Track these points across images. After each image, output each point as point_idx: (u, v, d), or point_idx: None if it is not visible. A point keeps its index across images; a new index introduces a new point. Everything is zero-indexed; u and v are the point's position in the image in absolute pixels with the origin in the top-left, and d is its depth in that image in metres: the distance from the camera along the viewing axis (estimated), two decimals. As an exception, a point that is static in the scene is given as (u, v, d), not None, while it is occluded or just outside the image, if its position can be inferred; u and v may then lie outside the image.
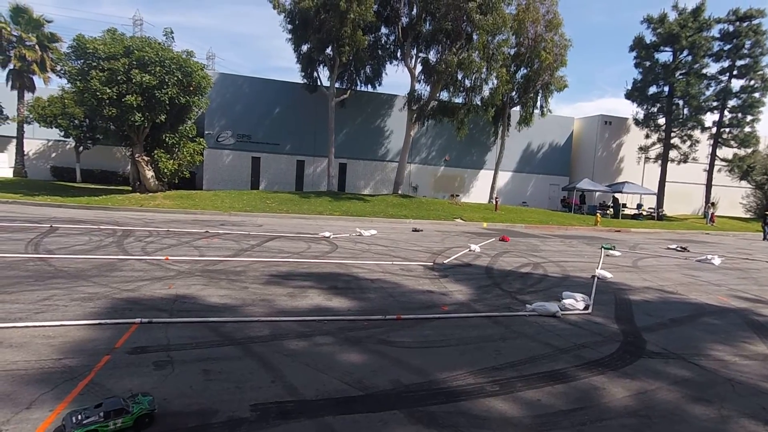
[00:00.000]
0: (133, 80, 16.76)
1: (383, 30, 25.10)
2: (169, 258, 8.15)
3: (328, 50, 23.09)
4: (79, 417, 2.80)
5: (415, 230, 16.06)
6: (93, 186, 24.49)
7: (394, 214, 19.54)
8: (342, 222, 17.17)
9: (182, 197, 19.34)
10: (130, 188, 21.09)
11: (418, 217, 19.52)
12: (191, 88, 18.73)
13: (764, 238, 22.88)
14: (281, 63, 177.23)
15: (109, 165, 28.40)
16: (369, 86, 26.96)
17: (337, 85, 24.95)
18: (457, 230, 17.12)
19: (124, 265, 7.46)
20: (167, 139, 19.51)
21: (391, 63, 26.35)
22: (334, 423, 3.12)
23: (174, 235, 11.07)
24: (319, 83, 25.66)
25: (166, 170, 19.61)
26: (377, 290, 6.88)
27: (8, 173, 26.36)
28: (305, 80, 25.50)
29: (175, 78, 17.82)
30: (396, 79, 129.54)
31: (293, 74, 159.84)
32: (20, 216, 12.75)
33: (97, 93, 16.47)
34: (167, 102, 17.87)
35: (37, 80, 26.08)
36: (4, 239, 9.07)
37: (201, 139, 21.59)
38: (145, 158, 19.25)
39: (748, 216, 36.31)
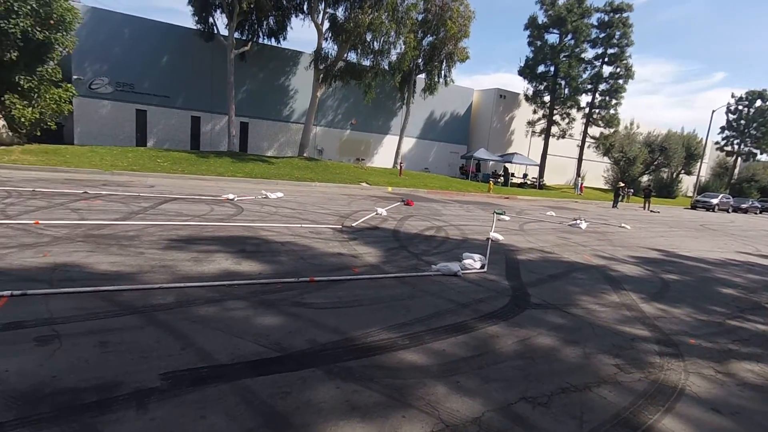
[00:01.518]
0: (-32, 5, 13.45)
1: (289, -22, 23.45)
2: (40, 222, 7.03)
3: (226, -6, 20.95)
4: None
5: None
6: None
7: (300, 177, 19.11)
8: (245, 184, 16.32)
9: (48, 152, 16.53)
10: (-27, 139, 17.34)
11: (324, 181, 19.36)
12: (51, 22, 15.63)
13: (613, 206, 27.20)
14: (166, 3, 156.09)
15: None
16: (272, 40, 25.28)
17: (236, 35, 22.91)
18: (363, 194, 17.41)
19: (-22, 230, 6.27)
20: (22, 82, 16.21)
21: (296, 16, 24.85)
22: (253, 385, 3.11)
23: (42, 196, 9.51)
24: (215, 31, 23.29)
25: (23, 119, 16.43)
26: (288, 253, 6.80)
27: None
28: (199, 26, 22.92)
29: (28, 7, 14.70)
30: (302, 34, 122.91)
31: (183, 18, 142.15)
32: None
33: None
34: (18, 36, 14.73)
35: None
36: None
37: (69, 85, 18.34)
38: (-7, 103, 15.89)
39: (607, 187, 42.75)
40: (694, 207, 37.06)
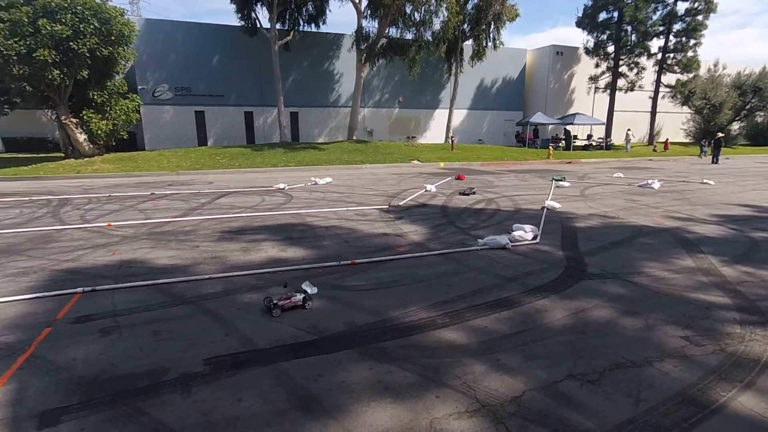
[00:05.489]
0: (43, 31, 14.84)
1: (324, -39, 23.24)
2: (112, 224, 7.73)
3: (265, -14, 21.22)
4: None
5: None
6: (20, 155, 22.36)
7: (350, 161, 19.27)
8: (297, 172, 16.78)
9: (123, 160, 18.10)
10: (62, 155, 19.40)
11: (374, 162, 19.36)
12: (112, 38, 16.83)
13: (713, 161, 24.04)
14: (215, 5, 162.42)
15: (36, 131, 25.76)
16: (313, 26, 25.34)
17: (278, 26, 23.23)
18: (414, 172, 17.18)
19: (62, 235, 7.01)
20: (95, 98, 17.75)
21: (334, -2, 24.64)
22: (289, 367, 3.19)
23: (116, 200, 10.45)
24: (258, 25, 23.81)
25: (100, 132, 18.04)
26: (332, 237, 6.88)
27: None
28: (243, 22, 23.55)
29: (92, 27, 15.92)
30: (341, 17, 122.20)
31: (229, 17, 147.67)
32: (-63, 192, 11.57)
33: (1, 49, 14.52)
34: (87, 55, 16.06)
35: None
36: None
37: (135, 96, 19.79)
38: (74, 120, 17.56)
39: (687, 140, 38.38)
40: (803, 152, 32.36)
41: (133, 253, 5.98)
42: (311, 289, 4.33)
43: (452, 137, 26.82)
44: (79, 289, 4.60)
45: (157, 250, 6.16)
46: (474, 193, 11.39)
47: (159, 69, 24.13)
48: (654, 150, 30.82)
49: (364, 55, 23.67)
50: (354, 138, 25.32)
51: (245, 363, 3.25)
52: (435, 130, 31.64)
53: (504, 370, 3.19)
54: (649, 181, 13.39)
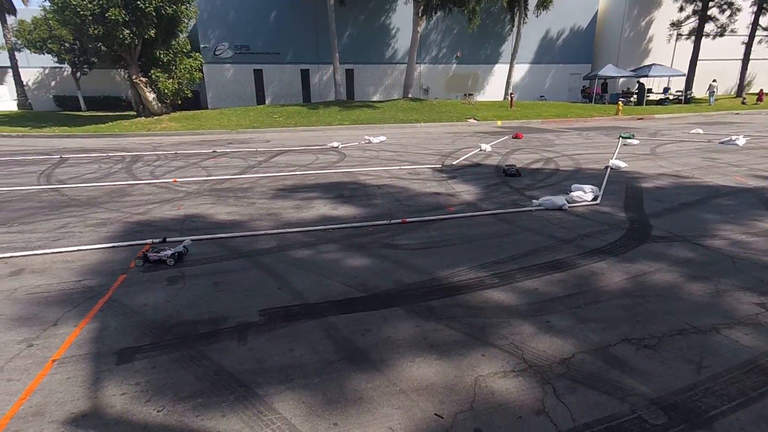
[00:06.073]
0: (113, -10, 15.53)
1: None
2: (177, 180, 8.23)
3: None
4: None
5: None
6: (99, 113, 24.17)
7: (405, 119, 18.89)
8: (352, 131, 16.76)
9: (188, 118, 19.00)
10: (135, 113, 20.72)
11: (429, 121, 18.85)
12: (175, -4, 17.28)
13: None
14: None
15: (111, 90, 27.69)
16: (368, -24, 24.33)
17: (333, -22, 22.54)
18: (470, 131, 16.56)
19: (134, 189, 7.59)
20: (162, 57, 18.52)
21: (389, -55, 23.34)
22: (337, 321, 3.30)
23: (182, 157, 11.07)
24: (313, -23, 23.26)
25: (166, 91, 18.95)
26: (384, 196, 6.88)
27: (12, 106, 26.03)
28: (298, -25, 23.09)
29: (157, -16, 16.42)
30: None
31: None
32: (30, 149, 12.86)
33: (78, 9, 15.39)
34: (153, 14, 16.65)
35: (16, 1, 24.59)
36: (17, 173, 9.25)
37: (197, 54, 20.42)
38: (143, 79, 18.53)
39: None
40: None
41: (196, 208, 6.36)
42: (179, 249, 4.48)
43: (511, 94, 25.33)
44: (149, 241, 4.99)
45: (218, 205, 6.49)
46: (519, 174, 8.26)
47: (219, 27, 24.57)
48: (743, 102, 27.26)
49: (421, 7, 22.51)
50: (409, 96, 24.67)
51: (297, 315, 3.40)
52: (493, 86, 30.04)
53: (554, 332, 3.10)
54: (733, 137, 11.98)
